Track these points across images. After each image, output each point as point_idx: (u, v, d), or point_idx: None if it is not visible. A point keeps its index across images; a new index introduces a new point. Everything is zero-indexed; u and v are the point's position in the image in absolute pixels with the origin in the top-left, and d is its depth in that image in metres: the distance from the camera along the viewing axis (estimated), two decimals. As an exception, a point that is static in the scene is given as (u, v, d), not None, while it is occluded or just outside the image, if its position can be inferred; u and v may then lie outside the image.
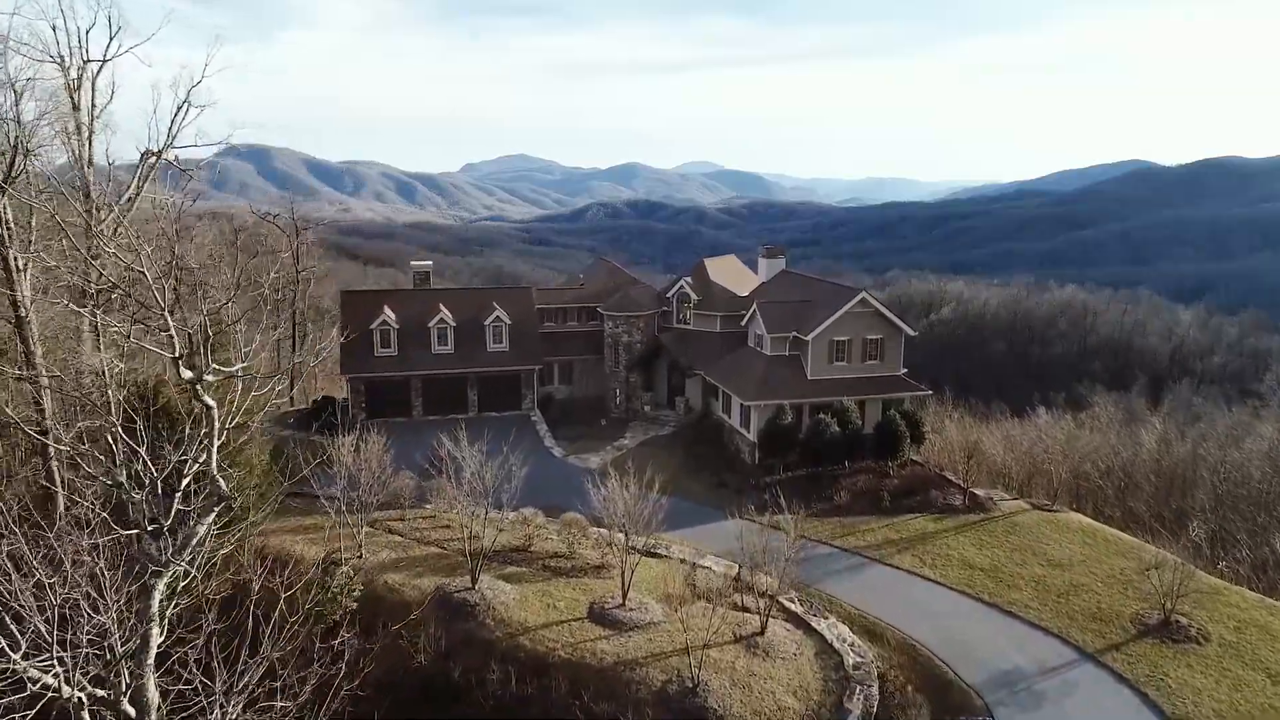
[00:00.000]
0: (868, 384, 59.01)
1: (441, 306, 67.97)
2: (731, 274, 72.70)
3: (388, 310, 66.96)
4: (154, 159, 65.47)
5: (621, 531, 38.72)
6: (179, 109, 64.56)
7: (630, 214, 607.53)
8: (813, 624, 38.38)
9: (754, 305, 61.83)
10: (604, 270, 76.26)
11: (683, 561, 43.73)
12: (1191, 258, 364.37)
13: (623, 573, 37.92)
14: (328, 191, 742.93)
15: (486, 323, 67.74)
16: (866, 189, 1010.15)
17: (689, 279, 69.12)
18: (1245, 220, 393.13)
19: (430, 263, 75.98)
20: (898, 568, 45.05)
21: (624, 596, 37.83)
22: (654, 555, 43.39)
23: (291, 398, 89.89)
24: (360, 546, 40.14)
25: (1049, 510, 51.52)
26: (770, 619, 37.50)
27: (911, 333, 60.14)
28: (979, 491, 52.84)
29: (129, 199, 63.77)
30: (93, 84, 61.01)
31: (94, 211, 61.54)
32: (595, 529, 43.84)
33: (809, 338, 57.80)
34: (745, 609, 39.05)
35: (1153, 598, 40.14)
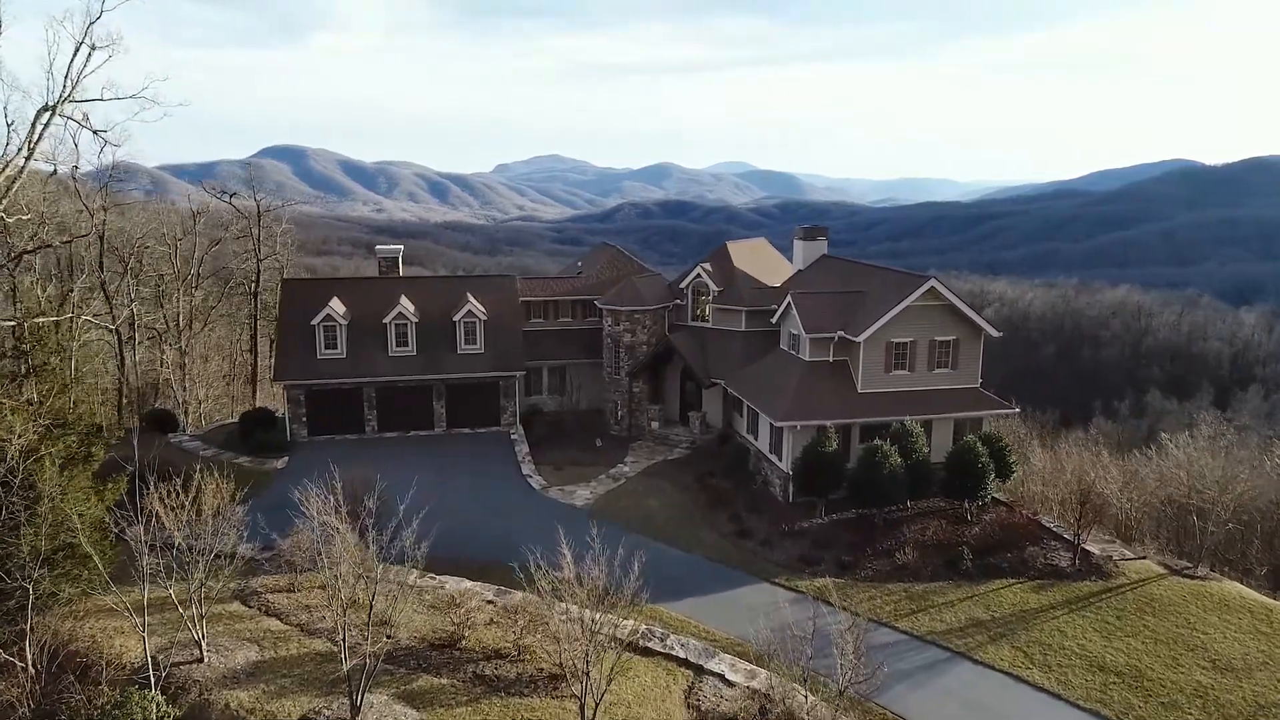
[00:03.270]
0: (936, 399, 45.49)
1: (403, 299, 55.20)
2: (760, 260, 59.28)
3: (335, 303, 54.22)
4: (49, 114, 53.72)
5: (585, 632, 25.45)
6: (76, 50, 52.65)
7: (661, 214, 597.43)
8: (880, 784, 24.97)
9: (788, 298, 48.44)
10: (605, 257, 63.13)
11: (684, 664, 30.31)
12: (1238, 258, 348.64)
13: (582, 705, 24.67)
14: (362, 191, 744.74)
15: (457, 318, 54.85)
16: (900, 189, 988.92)
17: (707, 265, 55.77)
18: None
19: (400, 246, 63.18)
20: (993, 667, 31.48)
21: (585, 739, 24.59)
22: (643, 651, 30.11)
23: (254, 405, 77.69)
24: (201, 644, 27.12)
25: (1192, 576, 37.72)
26: (813, 774, 24.14)
27: (994, 332, 46.46)
28: (1093, 548, 39.10)
29: (22, 162, 52.14)
30: (-37, 19, 49.50)
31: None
32: (560, 606, 30.54)
33: (860, 339, 44.36)
34: (775, 755, 25.70)
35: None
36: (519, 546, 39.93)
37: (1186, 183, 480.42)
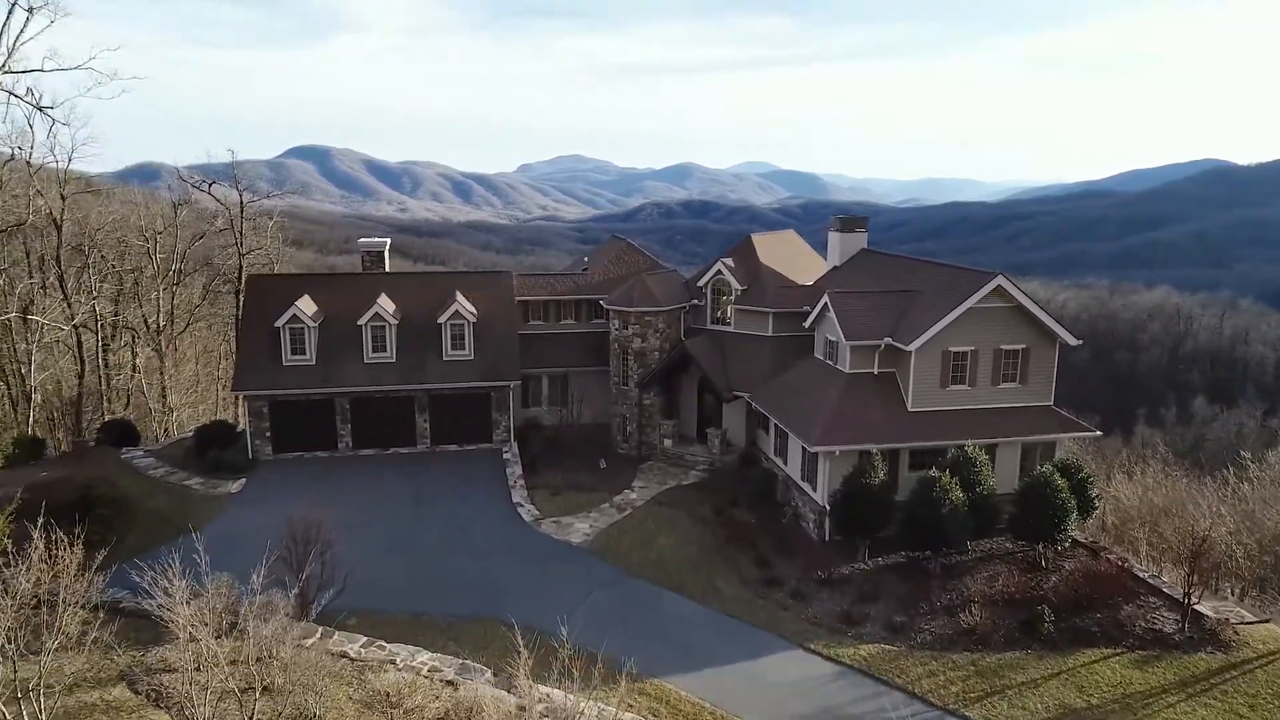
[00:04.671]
0: (1002, 420, 38.21)
1: (382, 297, 48.43)
2: (789, 255, 52.12)
3: (304, 302, 47.55)
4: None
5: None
6: (11, 12, 46.48)
7: (683, 213, 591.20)
8: None
9: (824, 298, 41.24)
10: (614, 251, 56.12)
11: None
12: (1273, 259, 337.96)
13: None
14: (387, 191, 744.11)
15: (443, 320, 47.99)
16: (925, 189, 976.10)
17: (729, 260, 48.64)
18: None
19: (387, 240, 56.52)
20: (1100, 780, 24.32)
21: None
22: (642, 757, 23.09)
23: (236, 413, 71.24)
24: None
25: (1332, 646, 30.29)
26: None
27: (1072, 340, 39.05)
28: (1206, 609, 31.72)
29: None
30: None
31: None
32: (536, 690, 23.64)
33: (911, 347, 37.15)
34: None
35: None
36: (500, 597, 33.33)
37: (1218, 183, 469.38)
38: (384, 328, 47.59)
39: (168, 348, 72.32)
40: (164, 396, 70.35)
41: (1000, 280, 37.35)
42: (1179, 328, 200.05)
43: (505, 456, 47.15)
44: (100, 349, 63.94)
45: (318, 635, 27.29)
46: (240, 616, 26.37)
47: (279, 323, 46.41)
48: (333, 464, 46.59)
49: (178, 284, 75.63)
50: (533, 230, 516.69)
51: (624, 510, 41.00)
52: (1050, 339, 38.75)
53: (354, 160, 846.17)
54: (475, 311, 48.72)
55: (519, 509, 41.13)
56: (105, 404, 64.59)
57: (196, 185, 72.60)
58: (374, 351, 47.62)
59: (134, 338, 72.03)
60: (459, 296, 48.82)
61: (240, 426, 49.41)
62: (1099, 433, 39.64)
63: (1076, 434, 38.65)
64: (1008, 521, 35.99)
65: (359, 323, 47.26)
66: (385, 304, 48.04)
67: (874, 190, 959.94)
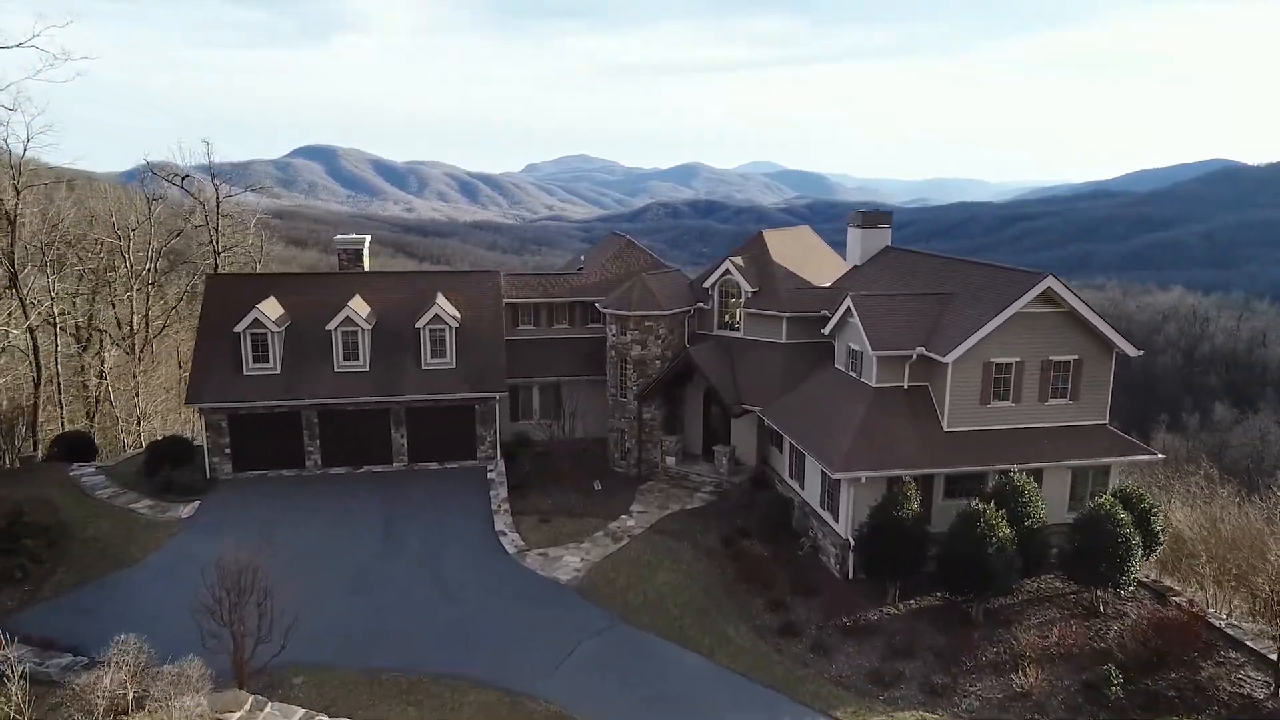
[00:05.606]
0: (1052, 441, 33.43)
1: (355, 299, 43.89)
2: (805, 253, 47.43)
3: (268, 305, 43.01)
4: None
5: None
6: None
7: (690, 213, 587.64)
8: None
9: (846, 301, 36.48)
10: (613, 249, 51.48)
11: None
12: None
13: None
14: (394, 191, 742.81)
15: (421, 324, 43.38)
16: (931, 189, 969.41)
17: (738, 259, 43.90)
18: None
19: (367, 237, 51.99)
20: None
21: None
22: None
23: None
24: None
25: None
26: None
27: (1132, 350, 34.31)
28: (1303, 670, 26.99)
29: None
30: None
31: None
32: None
33: (948, 359, 32.41)
34: None
35: None
36: (473, 649, 28.76)
37: (1227, 183, 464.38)
38: (356, 333, 42.99)
39: (141, 351, 67.95)
40: (135, 404, 65.95)
41: (1050, 282, 32.56)
42: (1195, 330, 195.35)
43: (490, 476, 42.54)
44: (57, 354, 59.22)
45: (246, 707, 22.72)
46: (149, 687, 21.95)
47: (239, 327, 41.84)
48: (298, 484, 42.05)
49: (153, 284, 71.30)
50: (539, 230, 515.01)
51: (620, 540, 36.34)
52: (1106, 349, 33.98)
53: (361, 160, 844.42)
54: (458, 315, 44.19)
55: (502, 538, 36.50)
56: (62, 413, 60.04)
57: (169, 179, 67.98)
58: (345, 359, 43.04)
59: (102, 342, 67.58)
60: (440, 298, 44.29)
61: (198, 442, 44.79)
62: (1161, 456, 34.80)
63: (1137, 457, 33.85)
64: (1058, 558, 31.33)
65: (328, 328, 42.67)
66: (358, 307, 43.47)
67: (880, 190, 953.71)
